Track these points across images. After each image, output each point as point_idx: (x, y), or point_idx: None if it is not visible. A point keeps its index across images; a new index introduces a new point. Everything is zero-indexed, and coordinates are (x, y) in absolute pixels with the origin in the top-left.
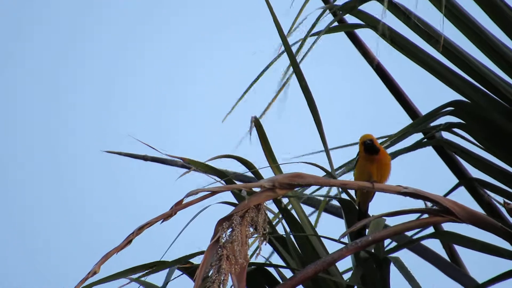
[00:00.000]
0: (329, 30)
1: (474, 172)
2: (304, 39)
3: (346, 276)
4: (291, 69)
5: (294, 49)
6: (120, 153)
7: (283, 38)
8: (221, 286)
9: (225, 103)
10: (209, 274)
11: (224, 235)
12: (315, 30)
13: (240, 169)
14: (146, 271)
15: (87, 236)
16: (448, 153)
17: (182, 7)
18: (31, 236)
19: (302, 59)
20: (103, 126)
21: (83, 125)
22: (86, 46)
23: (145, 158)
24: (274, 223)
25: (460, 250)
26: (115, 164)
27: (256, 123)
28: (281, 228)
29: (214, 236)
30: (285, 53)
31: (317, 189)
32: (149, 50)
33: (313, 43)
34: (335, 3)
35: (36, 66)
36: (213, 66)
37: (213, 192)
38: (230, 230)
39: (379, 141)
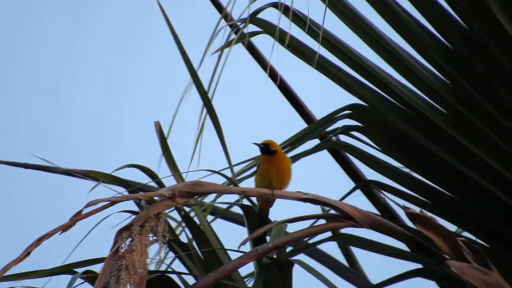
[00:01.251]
0: (229, 43)
1: (372, 175)
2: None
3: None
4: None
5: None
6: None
7: (192, 71)
8: None
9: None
10: (109, 284)
11: (123, 245)
12: (216, 47)
13: (144, 179)
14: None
15: None
16: (344, 157)
17: None
18: None
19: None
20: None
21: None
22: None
23: (26, 166)
24: (177, 231)
25: (358, 252)
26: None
27: (159, 129)
28: (186, 235)
29: (114, 246)
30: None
31: (218, 196)
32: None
33: (218, 60)
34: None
35: None
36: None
37: (113, 202)
38: (129, 239)
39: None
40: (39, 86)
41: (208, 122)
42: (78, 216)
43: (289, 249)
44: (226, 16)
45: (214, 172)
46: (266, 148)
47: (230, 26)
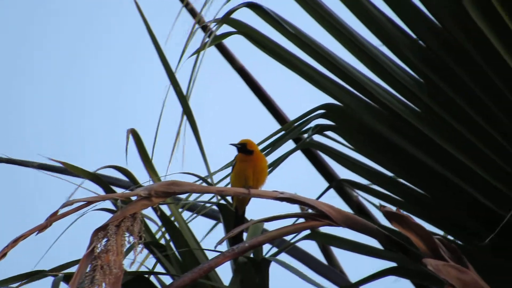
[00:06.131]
0: (205, 45)
1: (345, 173)
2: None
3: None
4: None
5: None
6: None
7: (170, 73)
8: None
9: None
10: (83, 285)
11: (99, 245)
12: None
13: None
14: (23, 281)
15: None
16: (317, 156)
17: None
18: None
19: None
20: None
21: None
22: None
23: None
24: (154, 231)
25: (336, 250)
26: None
27: (134, 134)
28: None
29: (89, 246)
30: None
31: (198, 196)
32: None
33: (195, 62)
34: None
35: None
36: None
37: (89, 203)
38: (105, 240)
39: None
40: (45, 86)
41: (185, 124)
42: (54, 217)
43: (268, 250)
44: (199, 19)
45: (191, 174)
46: (243, 147)
47: (204, 28)
